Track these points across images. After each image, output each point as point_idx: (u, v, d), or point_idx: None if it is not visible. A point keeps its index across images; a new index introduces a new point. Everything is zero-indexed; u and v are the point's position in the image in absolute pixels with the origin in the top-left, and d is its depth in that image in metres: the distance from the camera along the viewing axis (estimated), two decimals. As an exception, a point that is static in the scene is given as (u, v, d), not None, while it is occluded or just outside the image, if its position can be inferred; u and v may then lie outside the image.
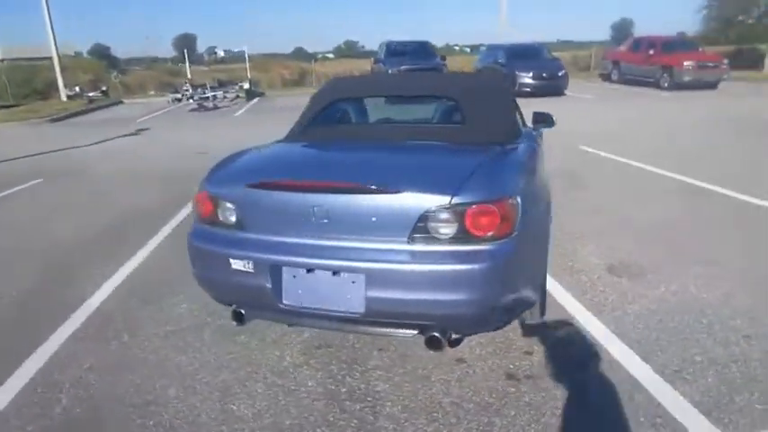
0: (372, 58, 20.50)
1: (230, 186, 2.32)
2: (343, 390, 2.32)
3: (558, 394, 2.23)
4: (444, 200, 2.00)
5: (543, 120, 3.62)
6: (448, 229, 2.01)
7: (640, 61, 17.67)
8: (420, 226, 2.01)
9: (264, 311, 2.34)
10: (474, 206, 1.99)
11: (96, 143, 10.07)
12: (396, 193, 2.02)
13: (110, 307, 3.23)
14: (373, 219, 2.05)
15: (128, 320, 3.06)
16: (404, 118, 3.26)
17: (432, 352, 2.46)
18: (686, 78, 15.71)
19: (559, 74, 16.03)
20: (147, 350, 2.73)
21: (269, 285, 2.17)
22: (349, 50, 70.58)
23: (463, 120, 2.81)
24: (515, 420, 2.08)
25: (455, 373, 2.40)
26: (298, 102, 18.82)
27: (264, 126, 12.10)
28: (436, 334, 2.08)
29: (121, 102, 19.59)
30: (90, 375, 2.53)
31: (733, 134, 8.57)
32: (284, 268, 2.16)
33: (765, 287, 3.12)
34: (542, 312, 2.61)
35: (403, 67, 15.04)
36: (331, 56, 52.54)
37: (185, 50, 25.75)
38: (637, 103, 13.96)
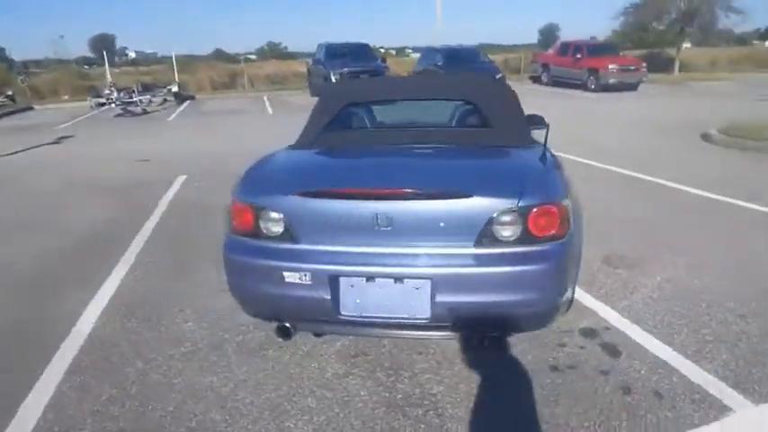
0: (308, 60, 20.27)
1: (276, 196, 2.23)
2: (398, 396, 2.30)
3: (604, 380, 2.36)
4: (512, 203, 2.05)
5: (536, 122, 3.77)
6: (512, 231, 2.07)
7: (568, 64, 18.86)
8: (487, 229, 2.05)
9: (319, 324, 2.28)
10: (536, 208, 2.06)
11: (18, 152, 9.19)
12: (466, 197, 2.05)
13: (105, 332, 2.97)
14: (441, 224, 2.06)
15: (133, 344, 2.83)
16: (421, 121, 3.26)
17: (469, 352, 2.53)
18: (611, 81, 16.99)
19: (496, 77, 16.66)
20: (170, 374, 2.55)
21: (328, 297, 2.12)
22: (272, 52, 69.22)
23: (486, 122, 2.86)
24: (574, 409, 2.17)
25: (517, 374, 2.45)
26: (230, 105, 18.18)
27: (203, 131, 11.63)
28: (495, 333, 2.13)
29: (31, 108, 17.94)
30: (112, 408, 2.32)
31: (654, 130, 9.42)
32: (341, 278, 2.12)
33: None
34: (569, 306, 2.74)
35: (345, 70, 15.03)
36: (254, 57, 51.21)
37: (104, 52, 24.09)
38: (570, 104, 14.86)
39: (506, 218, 2.06)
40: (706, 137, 8.47)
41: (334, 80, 14.92)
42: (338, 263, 2.12)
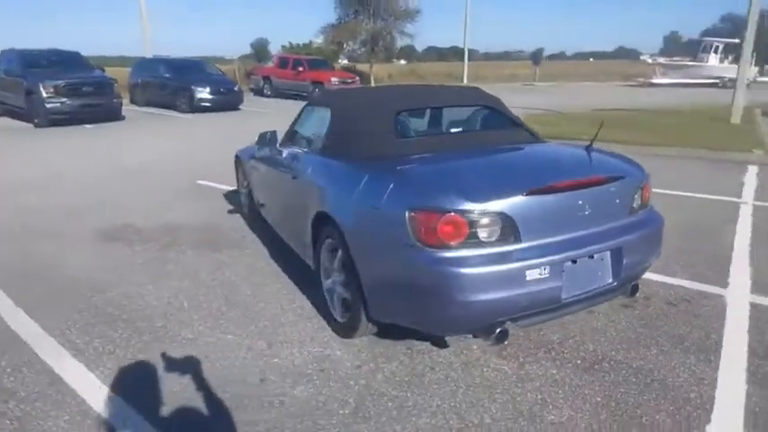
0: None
1: (501, 198, 2.23)
2: (579, 362, 2.63)
3: (654, 302, 3.24)
4: (642, 180, 2.69)
5: None
6: (637, 201, 2.68)
7: (291, 77, 20.05)
8: (632, 201, 2.62)
9: (544, 314, 2.37)
10: (645, 182, 2.73)
11: None
12: (624, 178, 2.57)
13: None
14: (617, 201, 2.52)
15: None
16: (454, 126, 3.45)
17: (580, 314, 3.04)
18: (334, 92, 18.94)
19: (235, 88, 16.47)
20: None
21: (559, 284, 2.29)
22: None
23: (513, 122, 3.34)
24: (667, 323, 2.99)
25: (614, 318, 3.06)
26: None
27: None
28: (637, 282, 2.71)
29: None
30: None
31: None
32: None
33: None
34: None
35: (61, 82, 12.24)
36: None
37: None
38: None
39: (638, 191, 2.67)
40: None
41: (45, 95, 11.96)
42: (560, 251, 2.31)
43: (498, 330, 2.28)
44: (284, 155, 3.71)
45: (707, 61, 29.33)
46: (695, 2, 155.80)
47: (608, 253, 2.49)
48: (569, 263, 2.36)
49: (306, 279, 3.57)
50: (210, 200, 5.92)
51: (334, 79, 19.07)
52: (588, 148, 2.95)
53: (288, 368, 2.64)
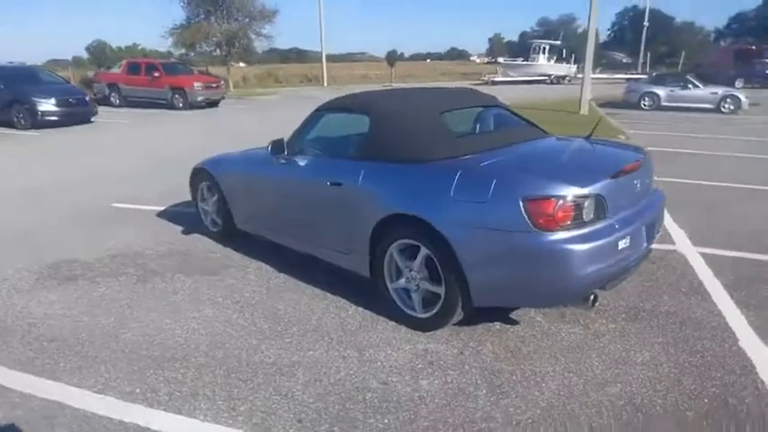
0: None
1: (590, 183, 2.63)
2: (624, 315, 3.18)
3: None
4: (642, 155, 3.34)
5: None
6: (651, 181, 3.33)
7: (144, 84, 18.19)
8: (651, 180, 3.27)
9: (620, 278, 2.82)
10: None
11: None
12: (648, 161, 3.21)
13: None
14: (647, 180, 3.15)
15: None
16: (483, 126, 3.75)
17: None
18: (199, 98, 17.70)
19: (87, 98, 14.51)
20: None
21: (632, 251, 2.77)
22: None
23: (524, 120, 3.79)
24: (686, 273, 3.71)
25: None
26: None
27: None
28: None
29: None
30: None
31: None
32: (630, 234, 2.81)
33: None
34: None
35: None
36: None
37: None
38: (186, 124, 14.83)
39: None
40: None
41: None
42: (632, 222, 2.82)
43: (592, 297, 2.70)
44: (304, 163, 3.64)
45: (538, 61, 34.34)
46: (513, 6, 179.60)
47: (643, 225, 3.07)
48: (631, 231, 2.87)
49: (340, 286, 3.62)
50: (145, 223, 5.32)
51: (197, 84, 17.75)
52: (590, 139, 3.54)
53: (397, 368, 2.72)
